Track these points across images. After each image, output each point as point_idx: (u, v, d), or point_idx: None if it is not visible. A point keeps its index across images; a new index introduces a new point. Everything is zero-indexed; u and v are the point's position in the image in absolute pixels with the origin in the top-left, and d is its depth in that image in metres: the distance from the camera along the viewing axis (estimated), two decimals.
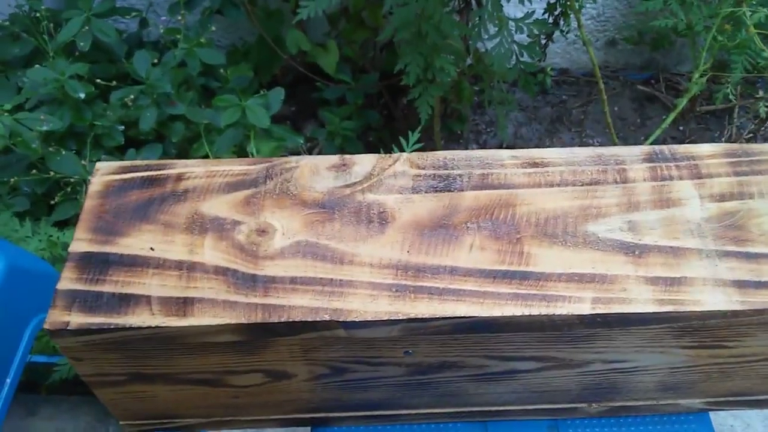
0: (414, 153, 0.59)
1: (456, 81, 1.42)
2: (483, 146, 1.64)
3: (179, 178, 0.57)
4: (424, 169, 0.58)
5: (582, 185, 0.56)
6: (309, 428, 0.64)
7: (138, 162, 0.59)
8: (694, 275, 0.50)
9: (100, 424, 1.14)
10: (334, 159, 0.58)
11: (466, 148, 1.61)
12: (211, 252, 0.52)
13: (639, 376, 0.57)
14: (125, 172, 0.58)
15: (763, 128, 1.37)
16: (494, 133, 1.64)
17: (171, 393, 0.57)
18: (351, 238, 0.53)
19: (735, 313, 0.49)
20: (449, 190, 0.56)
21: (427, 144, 1.48)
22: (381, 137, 1.63)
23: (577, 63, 1.73)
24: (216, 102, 1.25)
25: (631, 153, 0.58)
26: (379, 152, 0.60)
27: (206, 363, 0.54)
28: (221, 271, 0.51)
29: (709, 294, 0.49)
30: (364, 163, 0.58)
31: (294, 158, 0.59)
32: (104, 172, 0.58)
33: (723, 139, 1.56)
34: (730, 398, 0.62)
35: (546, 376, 0.57)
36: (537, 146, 1.61)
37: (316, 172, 0.58)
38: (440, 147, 1.50)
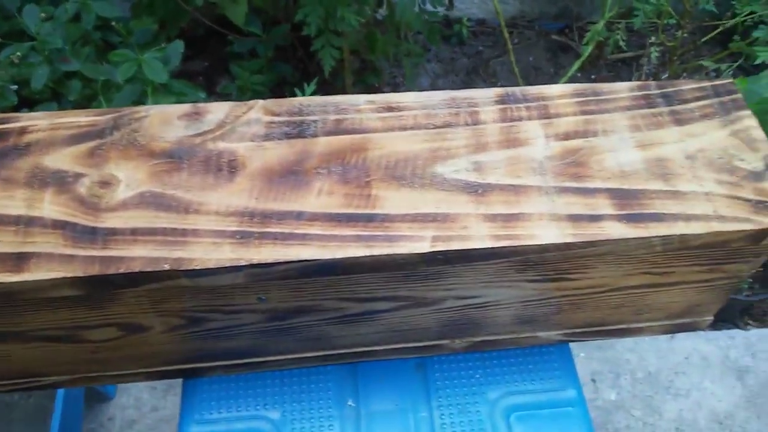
0: (270, 100, 0.58)
1: (368, 32, 1.40)
2: None
3: (22, 131, 0.55)
4: (278, 116, 0.57)
5: (434, 128, 0.57)
6: (181, 380, 0.65)
7: None
8: (531, 211, 0.52)
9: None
10: (187, 107, 0.57)
11: None
12: (50, 206, 0.51)
13: (494, 310, 0.60)
14: None
15: (665, 73, 1.40)
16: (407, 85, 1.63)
17: (26, 351, 0.56)
18: (198, 188, 0.52)
19: (568, 246, 0.51)
20: (302, 137, 0.56)
21: None
22: (298, 91, 1.60)
23: (494, 13, 1.73)
24: (112, 57, 1.20)
25: (484, 95, 0.59)
26: None
27: (56, 319, 0.53)
28: (60, 225, 0.50)
29: (545, 228, 0.51)
30: (217, 111, 0.57)
31: (144, 108, 0.57)
32: None
33: None
34: (586, 329, 0.65)
35: (404, 315, 0.59)
36: None
37: (166, 122, 0.56)
38: None
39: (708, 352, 1.22)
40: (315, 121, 0.57)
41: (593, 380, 1.19)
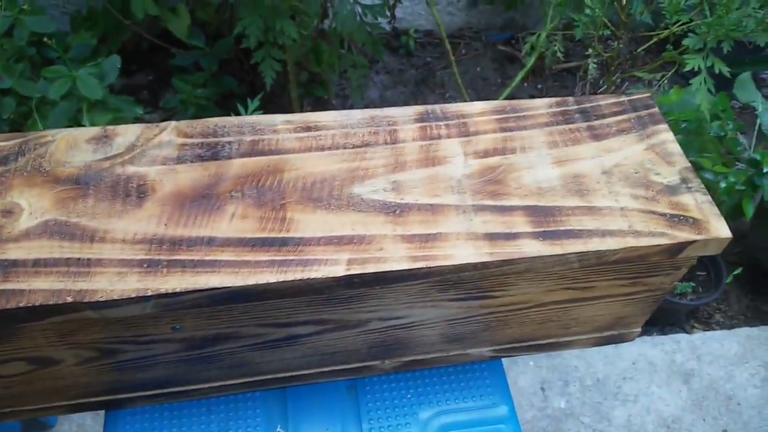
0: (183, 121, 0.57)
1: (314, 44, 1.39)
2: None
3: None
4: (192, 137, 0.56)
5: (353, 147, 0.56)
6: (104, 412, 0.62)
7: None
8: (449, 231, 0.51)
9: None
10: (96, 131, 0.55)
11: None
12: None
13: (420, 330, 0.59)
14: None
15: (608, 84, 1.43)
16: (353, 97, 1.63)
17: None
18: (105, 214, 0.50)
19: (485, 265, 0.50)
20: (216, 159, 0.54)
21: (288, 111, 1.45)
22: (244, 104, 1.58)
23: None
24: (44, 73, 1.16)
25: (404, 114, 0.59)
26: None
27: None
28: None
29: (461, 248, 0.50)
30: (127, 133, 0.55)
31: (51, 132, 0.55)
32: None
33: (576, 95, 1.62)
34: (515, 344, 0.65)
35: (329, 338, 0.58)
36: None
37: (74, 146, 0.54)
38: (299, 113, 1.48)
39: (654, 356, 1.24)
40: (230, 143, 0.56)
41: (542, 389, 1.19)
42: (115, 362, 0.55)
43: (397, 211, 0.52)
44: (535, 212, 0.53)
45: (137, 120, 1.38)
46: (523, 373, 1.20)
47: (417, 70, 1.67)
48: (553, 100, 0.61)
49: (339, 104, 1.64)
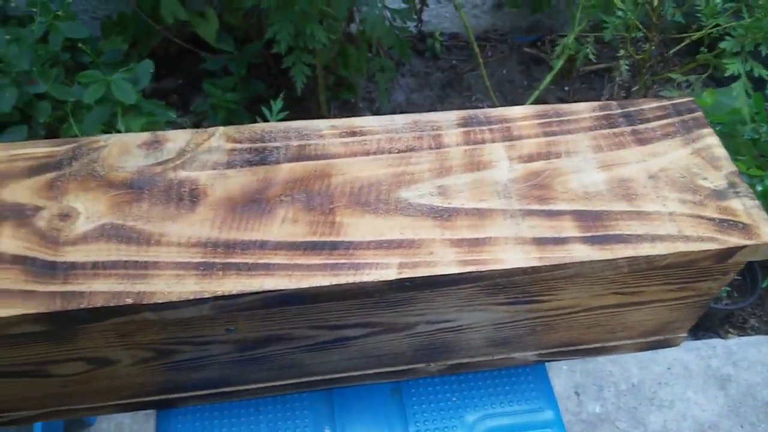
0: (231, 127, 0.58)
1: (341, 48, 1.40)
2: (376, 113, 1.64)
3: None
4: (240, 143, 0.57)
5: (398, 152, 0.57)
6: (155, 411, 0.63)
7: None
8: (497, 235, 0.52)
9: None
10: (146, 136, 0.56)
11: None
12: (8, 241, 0.50)
13: (466, 334, 0.59)
14: None
15: (636, 86, 1.42)
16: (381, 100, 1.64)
17: None
18: (159, 218, 0.51)
19: (534, 269, 0.51)
20: (265, 164, 0.55)
21: (315, 115, 1.47)
22: (265, 109, 1.60)
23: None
24: (80, 78, 1.18)
25: (447, 118, 0.59)
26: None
27: (22, 354, 0.52)
28: (19, 260, 0.49)
29: (511, 252, 0.51)
30: (177, 139, 0.56)
31: (103, 137, 0.56)
32: None
33: (604, 97, 1.62)
34: (562, 349, 0.65)
35: (377, 340, 0.58)
36: (429, 111, 1.62)
37: (126, 151, 0.55)
38: (328, 116, 1.49)
39: (689, 361, 1.23)
40: (277, 148, 0.56)
41: (577, 393, 1.19)
42: (169, 362, 0.56)
43: (445, 216, 0.53)
44: (583, 217, 0.53)
45: (168, 124, 1.40)
46: (557, 377, 1.20)
47: (443, 73, 1.68)
48: (596, 104, 0.61)
49: (365, 107, 1.64)
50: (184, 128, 1.54)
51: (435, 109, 1.63)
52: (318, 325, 0.55)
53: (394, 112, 1.64)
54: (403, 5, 1.29)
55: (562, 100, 1.63)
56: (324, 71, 1.39)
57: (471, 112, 0.59)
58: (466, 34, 1.76)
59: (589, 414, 1.16)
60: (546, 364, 0.68)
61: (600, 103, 0.61)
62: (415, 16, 1.37)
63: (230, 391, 0.62)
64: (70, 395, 0.59)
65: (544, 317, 0.59)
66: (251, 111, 1.57)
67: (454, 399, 0.64)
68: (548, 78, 1.34)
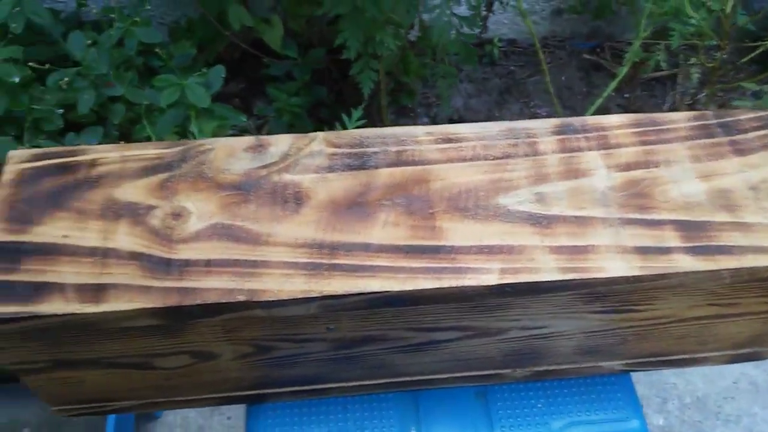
0: (331, 132, 0.59)
1: (402, 54, 1.42)
2: (433, 119, 1.65)
3: (93, 163, 0.57)
4: (339, 147, 0.58)
5: (494, 159, 0.57)
6: (245, 405, 0.65)
7: (51, 149, 0.58)
8: (597, 243, 0.52)
9: None
10: (251, 140, 0.58)
11: (416, 122, 1.62)
12: (125, 238, 0.52)
13: (558, 341, 0.60)
14: (38, 160, 0.57)
15: (699, 94, 1.40)
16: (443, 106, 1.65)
17: (98, 377, 0.58)
18: (267, 219, 0.53)
19: (637, 279, 0.51)
20: (365, 168, 0.57)
21: (376, 119, 1.49)
22: (333, 113, 1.62)
23: (525, 33, 1.74)
24: (155, 82, 1.22)
25: (542, 126, 0.59)
26: (327, 128, 0.60)
27: (130, 347, 0.54)
28: (136, 257, 0.51)
29: (612, 261, 0.51)
30: (280, 143, 0.58)
31: (210, 140, 0.59)
32: (17, 161, 0.57)
33: (666, 105, 1.59)
34: (649, 359, 0.64)
35: (468, 344, 0.59)
36: (486, 118, 1.62)
37: (231, 154, 0.57)
38: (388, 121, 1.50)
39: (756, 376, 1.20)
40: (376, 153, 0.58)
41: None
42: (267, 358, 0.57)
43: (544, 223, 0.53)
44: (684, 227, 0.53)
45: (233, 127, 1.43)
46: None
47: (501, 79, 1.68)
48: (691, 113, 0.61)
49: (422, 112, 1.66)
50: (249, 132, 1.57)
51: (493, 115, 1.63)
52: (413, 327, 0.56)
53: (452, 118, 1.65)
54: (467, 12, 1.29)
55: (623, 108, 1.61)
56: (386, 77, 1.41)
57: (566, 120, 0.60)
58: (526, 39, 1.76)
59: (652, 427, 1.15)
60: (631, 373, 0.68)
61: (694, 113, 0.61)
62: (480, 23, 1.37)
63: (320, 389, 0.63)
64: (170, 388, 0.61)
65: (636, 327, 0.59)
66: (312, 116, 1.60)
67: (539, 405, 0.64)
68: (612, 85, 1.33)
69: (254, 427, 0.63)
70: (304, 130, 1.54)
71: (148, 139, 1.27)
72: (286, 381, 0.62)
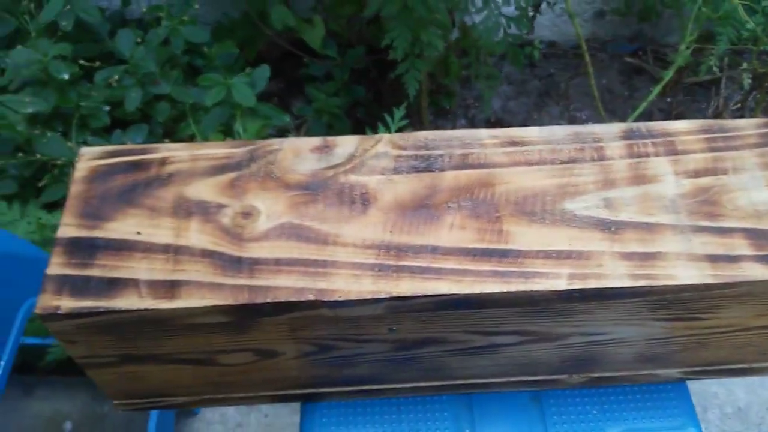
0: (396, 134, 0.60)
1: (443, 55, 1.42)
2: (471, 121, 1.65)
3: (163, 161, 0.58)
4: (405, 149, 0.58)
5: (560, 163, 0.57)
6: (299, 403, 0.66)
7: (122, 146, 0.59)
8: (667, 250, 0.51)
9: (96, 403, 1.16)
10: (317, 141, 0.59)
11: (454, 124, 1.62)
12: (197, 235, 0.53)
13: (617, 347, 0.59)
14: (109, 157, 0.58)
15: (749, 99, 1.37)
16: (482, 107, 1.64)
17: (162, 372, 0.59)
18: (334, 220, 0.54)
19: (708, 287, 0.50)
20: (430, 171, 0.57)
21: (415, 119, 1.49)
22: (370, 113, 1.63)
23: (565, 35, 1.73)
24: (201, 81, 1.24)
25: (609, 131, 0.59)
26: (366, 128, 0.61)
27: (196, 343, 0.55)
28: (207, 254, 0.52)
29: (683, 268, 0.50)
30: (346, 144, 0.59)
31: (277, 141, 0.59)
32: (89, 157, 0.58)
33: (710, 110, 1.57)
34: (707, 368, 0.64)
35: (527, 349, 0.59)
36: (525, 120, 1.62)
37: (298, 155, 0.58)
38: (427, 122, 1.51)
39: None
40: (441, 156, 0.58)
41: None
42: (328, 357, 0.58)
43: (613, 228, 0.53)
44: (755, 235, 0.52)
45: (274, 127, 1.45)
46: None
47: (540, 81, 1.67)
48: (761, 120, 0.60)
49: (461, 114, 1.65)
50: (289, 132, 1.58)
51: (531, 118, 1.62)
52: (474, 330, 0.56)
53: (489, 120, 1.65)
54: (514, 12, 1.29)
55: (665, 112, 1.59)
56: (428, 79, 1.41)
57: (633, 125, 0.59)
58: (566, 42, 1.74)
59: None
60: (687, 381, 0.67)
61: (764, 120, 0.60)
62: (528, 24, 1.37)
63: (376, 389, 0.64)
64: (230, 384, 0.62)
65: (699, 335, 0.58)
66: (350, 115, 1.61)
67: (594, 411, 0.63)
68: (657, 89, 1.31)
69: (310, 425, 0.64)
70: (343, 131, 1.56)
71: (192, 137, 1.29)
72: (343, 380, 0.62)
